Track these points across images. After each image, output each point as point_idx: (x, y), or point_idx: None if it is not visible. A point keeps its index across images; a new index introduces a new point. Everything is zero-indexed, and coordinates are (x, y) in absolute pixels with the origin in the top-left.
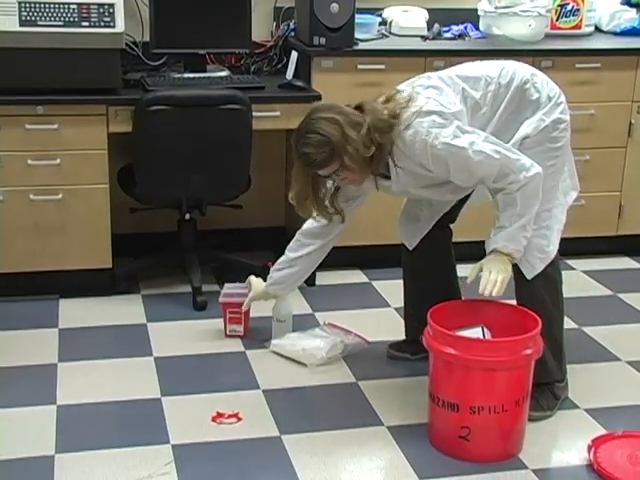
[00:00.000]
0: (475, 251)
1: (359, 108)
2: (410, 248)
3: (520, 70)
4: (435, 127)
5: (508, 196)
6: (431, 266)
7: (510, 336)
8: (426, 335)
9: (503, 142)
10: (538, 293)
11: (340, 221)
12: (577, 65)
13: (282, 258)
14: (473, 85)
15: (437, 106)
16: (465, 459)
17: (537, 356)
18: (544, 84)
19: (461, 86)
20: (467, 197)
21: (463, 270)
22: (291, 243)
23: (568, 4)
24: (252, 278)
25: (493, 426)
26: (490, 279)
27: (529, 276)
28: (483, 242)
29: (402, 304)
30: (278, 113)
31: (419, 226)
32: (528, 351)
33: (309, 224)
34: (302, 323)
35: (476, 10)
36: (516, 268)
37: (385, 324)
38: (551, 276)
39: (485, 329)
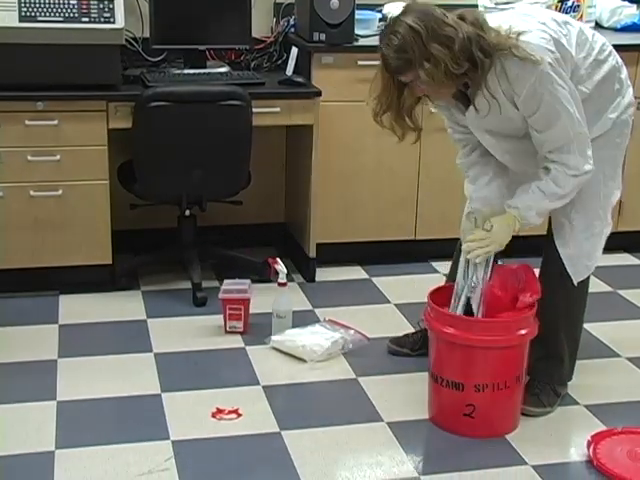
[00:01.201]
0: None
1: (462, 17)
2: None
3: (614, 52)
4: (552, 67)
5: (559, 174)
6: None
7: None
8: (427, 316)
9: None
10: (573, 296)
11: (416, 138)
12: None
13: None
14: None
15: (557, 46)
16: (469, 435)
17: (532, 336)
18: (627, 77)
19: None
20: None
21: None
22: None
23: (568, 0)
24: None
25: (497, 402)
26: (483, 246)
27: (576, 281)
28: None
29: (402, 301)
30: (278, 109)
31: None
32: (523, 331)
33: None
34: (302, 319)
35: (476, 6)
36: (561, 270)
37: (385, 320)
38: (587, 282)
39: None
